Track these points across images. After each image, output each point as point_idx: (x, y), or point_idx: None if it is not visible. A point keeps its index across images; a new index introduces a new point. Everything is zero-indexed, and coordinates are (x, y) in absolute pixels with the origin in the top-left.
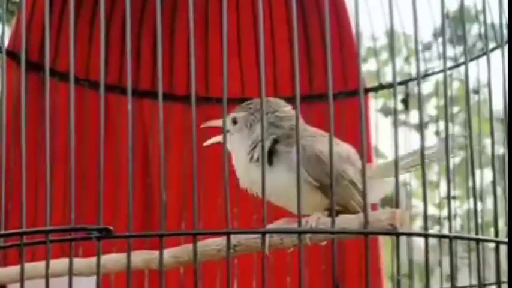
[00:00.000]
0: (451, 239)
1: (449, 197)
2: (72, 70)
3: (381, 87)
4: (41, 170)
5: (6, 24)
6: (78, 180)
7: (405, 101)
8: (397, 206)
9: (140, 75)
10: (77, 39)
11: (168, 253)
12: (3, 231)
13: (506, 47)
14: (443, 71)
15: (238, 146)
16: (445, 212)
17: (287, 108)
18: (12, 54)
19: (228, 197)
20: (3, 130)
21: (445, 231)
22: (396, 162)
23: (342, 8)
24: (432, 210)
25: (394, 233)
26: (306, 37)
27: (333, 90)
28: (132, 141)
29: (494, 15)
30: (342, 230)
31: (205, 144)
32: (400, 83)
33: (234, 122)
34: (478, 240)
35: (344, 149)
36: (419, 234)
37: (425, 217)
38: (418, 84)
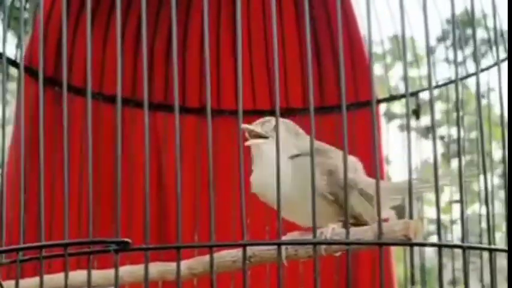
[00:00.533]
0: (464, 249)
1: (462, 213)
2: (90, 84)
3: (392, 98)
4: (56, 184)
5: (11, 32)
6: (93, 194)
7: (416, 112)
8: (410, 217)
9: (153, 88)
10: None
11: (184, 265)
12: (22, 245)
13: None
14: (454, 81)
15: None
16: (450, 217)
17: (301, 131)
18: (27, 70)
19: (244, 208)
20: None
21: (449, 237)
22: (410, 182)
23: (352, 19)
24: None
25: (408, 243)
26: (317, 49)
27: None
28: (149, 155)
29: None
30: (357, 241)
31: (246, 144)
32: (411, 94)
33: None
34: (491, 250)
35: (351, 161)
36: (433, 245)
37: (439, 227)
38: (431, 103)
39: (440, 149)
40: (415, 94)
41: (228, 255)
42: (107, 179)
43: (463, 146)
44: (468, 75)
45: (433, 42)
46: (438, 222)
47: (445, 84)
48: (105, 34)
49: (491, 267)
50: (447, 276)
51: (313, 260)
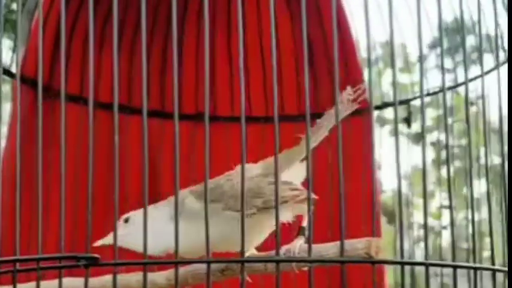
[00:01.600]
0: (427, 266)
1: (425, 229)
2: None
3: (386, 105)
4: (50, 193)
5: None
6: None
7: (407, 120)
8: (373, 235)
9: (149, 95)
10: (87, 62)
11: (162, 276)
12: None
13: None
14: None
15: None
16: (441, 222)
17: None
18: (21, 79)
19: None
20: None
21: (443, 242)
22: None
23: (345, 25)
24: (429, 220)
25: (369, 261)
26: (310, 54)
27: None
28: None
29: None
30: (319, 259)
31: None
32: (403, 102)
33: (126, 220)
34: (454, 267)
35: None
36: (394, 262)
37: (402, 245)
38: (422, 113)
39: (432, 155)
40: (406, 102)
41: (202, 268)
42: (101, 187)
43: (452, 152)
44: (457, 85)
45: (424, 49)
46: (401, 239)
47: (436, 93)
48: (100, 41)
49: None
50: None
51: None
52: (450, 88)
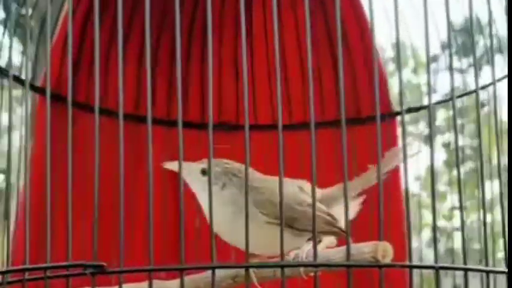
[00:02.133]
0: (436, 269)
1: (435, 231)
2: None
3: (408, 110)
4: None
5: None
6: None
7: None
8: (379, 238)
9: (171, 105)
10: (110, 72)
11: (174, 284)
12: (6, 269)
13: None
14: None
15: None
16: (453, 223)
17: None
18: (43, 91)
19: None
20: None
21: (455, 245)
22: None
23: (367, 34)
24: (440, 221)
25: (376, 265)
26: (334, 62)
27: (363, 114)
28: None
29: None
30: (325, 263)
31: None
32: (424, 107)
33: (204, 172)
34: (465, 270)
35: (295, 182)
36: (402, 266)
37: (410, 248)
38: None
39: (443, 156)
40: (415, 110)
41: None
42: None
43: (462, 156)
44: (467, 93)
45: (436, 49)
46: (409, 242)
47: (446, 101)
48: (108, 49)
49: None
50: None
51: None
52: (460, 96)
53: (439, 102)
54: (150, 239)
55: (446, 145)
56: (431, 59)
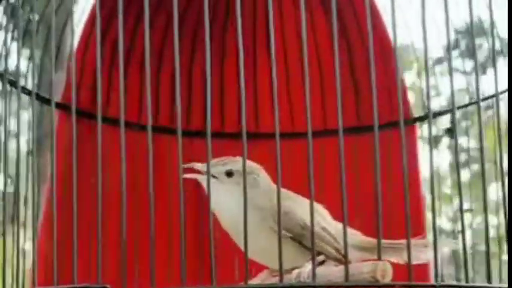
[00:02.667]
0: None
1: (435, 247)
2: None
3: (426, 116)
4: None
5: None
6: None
7: (450, 130)
8: (378, 257)
9: (191, 115)
10: (128, 85)
11: None
12: None
13: None
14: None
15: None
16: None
17: (262, 173)
18: (65, 107)
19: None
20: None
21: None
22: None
23: (385, 37)
24: (446, 224)
25: (375, 285)
26: (351, 68)
27: (380, 121)
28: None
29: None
30: (324, 284)
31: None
32: (444, 112)
33: (229, 174)
34: None
35: (316, 208)
36: (402, 285)
37: (410, 270)
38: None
39: (448, 159)
40: (450, 111)
41: None
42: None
43: (467, 158)
44: (470, 104)
45: (440, 52)
46: (409, 260)
47: (447, 112)
48: (141, 64)
49: None
50: None
51: None
52: (460, 107)
53: (441, 113)
54: (183, 258)
55: (451, 147)
56: (435, 62)
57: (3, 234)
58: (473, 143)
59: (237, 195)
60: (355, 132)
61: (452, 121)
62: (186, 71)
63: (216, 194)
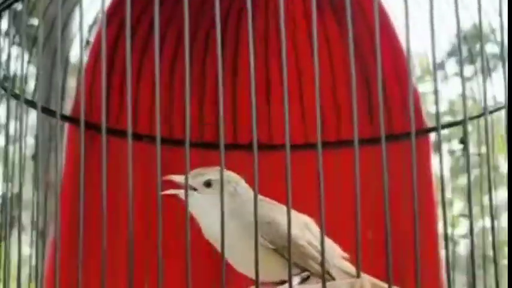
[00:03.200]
0: None
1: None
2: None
3: (443, 126)
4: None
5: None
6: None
7: (463, 141)
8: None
9: (204, 127)
10: (140, 97)
11: None
12: None
13: None
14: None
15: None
16: (458, 231)
17: (243, 183)
18: (75, 120)
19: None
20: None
21: (460, 250)
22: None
23: (397, 46)
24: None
25: None
26: (365, 79)
27: (395, 131)
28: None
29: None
30: None
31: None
32: (457, 123)
33: (208, 184)
34: None
35: (300, 216)
36: None
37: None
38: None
39: (449, 164)
40: (462, 123)
41: None
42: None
43: (465, 163)
44: (480, 115)
45: (443, 56)
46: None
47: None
48: (153, 75)
49: None
50: None
51: None
52: (472, 118)
53: (449, 125)
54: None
55: (451, 152)
56: (438, 66)
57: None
58: (472, 148)
59: (217, 205)
60: (367, 144)
61: (464, 133)
62: (197, 83)
63: (197, 205)
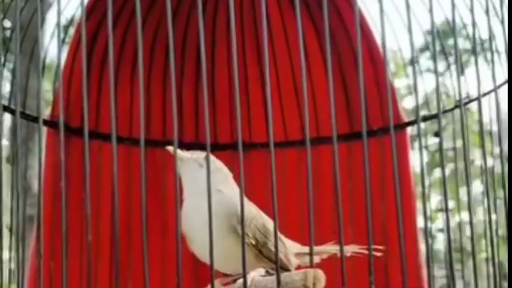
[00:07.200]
0: None
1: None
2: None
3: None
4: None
5: None
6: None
7: (437, 134)
8: (311, 266)
9: (183, 128)
10: (118, 99)
11: None
12: None
13: None
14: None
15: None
16: (436, 225)
17: (227, 171)
18: (55, 124)
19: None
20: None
21: (439, 245)
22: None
23: (374, 45)
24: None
25: None
26: (342, 76)
27: (372, 127)
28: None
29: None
30: None
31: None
32: (433, 116)
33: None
34: None
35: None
36: None
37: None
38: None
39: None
40: (436, 116)
41: None
42: (138, 225)
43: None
44: (455, 107)
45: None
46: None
47: (432, 118)
48: (131, 76)
49: None
50: None
51: None
52: (446, 111)
53: (425, 118)
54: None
55: (426, 147)
56: (409, 62)
57: None
58: (447, 143)
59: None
60: (347, 140)
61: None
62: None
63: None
